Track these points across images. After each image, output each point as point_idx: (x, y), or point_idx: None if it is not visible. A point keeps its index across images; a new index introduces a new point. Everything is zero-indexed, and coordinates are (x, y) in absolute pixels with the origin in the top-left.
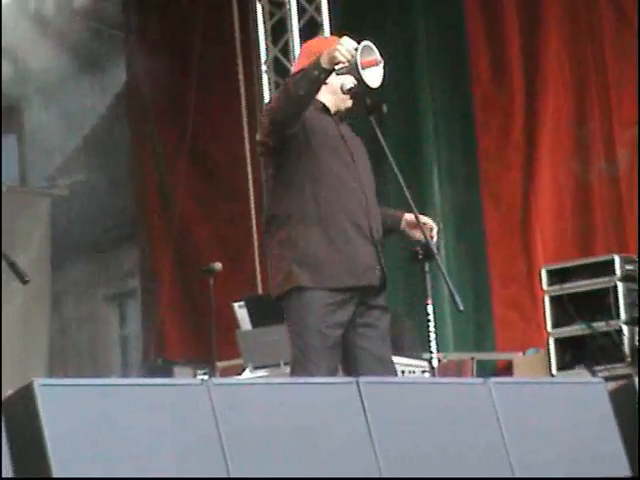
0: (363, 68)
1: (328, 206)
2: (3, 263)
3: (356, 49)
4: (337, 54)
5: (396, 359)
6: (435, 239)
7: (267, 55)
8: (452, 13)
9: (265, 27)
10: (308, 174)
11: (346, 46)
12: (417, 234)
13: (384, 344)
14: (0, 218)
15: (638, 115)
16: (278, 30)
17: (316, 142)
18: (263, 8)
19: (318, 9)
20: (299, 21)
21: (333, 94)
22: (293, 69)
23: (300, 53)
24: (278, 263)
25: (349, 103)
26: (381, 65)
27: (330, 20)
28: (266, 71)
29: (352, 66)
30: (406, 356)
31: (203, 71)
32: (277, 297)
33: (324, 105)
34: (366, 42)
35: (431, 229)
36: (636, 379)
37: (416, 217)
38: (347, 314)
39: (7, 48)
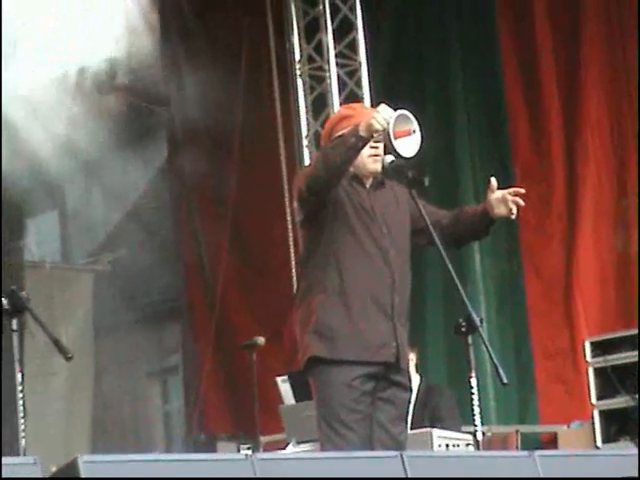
0: (396, 138)
1: (350, 279)
2: (48, 340)
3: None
4: (374, 122)
5: (440, 432)
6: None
7: (308, 130)
8: (491, 82)
9: (306, 102)
10: (334, 246)
11: (383, 114)
12: (502, 209)
13: (400, 423)
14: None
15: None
16: (319, 104)
17: (345, 214)
18: (304, 83)
19: (358, 83)
20: (339, 95)
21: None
22: (323, 136)
23: (330, 120)
24: (301, 336)
25: (372, 167)
26: (417, 135)
27: (370, 94)
28: (307, 146)
29: (385, 135)
30: (449, 429)
31: (244, 148)
32: (303, 371)
33: (355, 175)
34: (402, 111)
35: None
36: None
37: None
38: (370, 386)
39: (48, 125)
